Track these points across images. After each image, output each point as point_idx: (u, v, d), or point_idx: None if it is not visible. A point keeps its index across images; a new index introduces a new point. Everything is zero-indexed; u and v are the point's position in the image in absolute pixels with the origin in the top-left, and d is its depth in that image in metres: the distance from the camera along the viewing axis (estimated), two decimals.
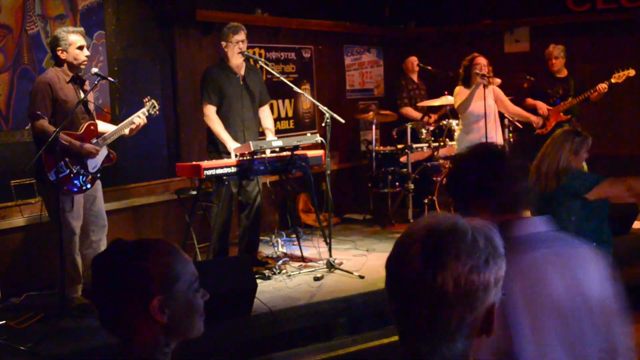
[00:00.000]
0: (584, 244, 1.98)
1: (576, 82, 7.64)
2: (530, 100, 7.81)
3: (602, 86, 7.28)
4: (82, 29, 5.00)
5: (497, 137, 6.47)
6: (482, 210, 1.95)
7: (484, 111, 6.25)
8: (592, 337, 1.84)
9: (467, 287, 1.23)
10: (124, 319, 1.60)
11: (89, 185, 4.88)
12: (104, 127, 5.11)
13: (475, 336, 1.28)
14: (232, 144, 5.57)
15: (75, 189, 4.81)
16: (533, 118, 7.19)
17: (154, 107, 5.13)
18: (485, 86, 6.28)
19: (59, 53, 4.82)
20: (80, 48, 4.84)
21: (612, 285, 1.91)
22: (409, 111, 8.30)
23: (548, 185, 3.92)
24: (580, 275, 1.86)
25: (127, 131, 5.03)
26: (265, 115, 6.03)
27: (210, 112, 5.71)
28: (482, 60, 6.40)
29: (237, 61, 5.76)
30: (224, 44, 5.76)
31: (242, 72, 5.85)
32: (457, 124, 7.04)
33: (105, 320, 1.63)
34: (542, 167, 3.97)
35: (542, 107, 7.65)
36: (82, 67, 4.92)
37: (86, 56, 4.88)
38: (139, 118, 5.02)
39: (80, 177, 4.82)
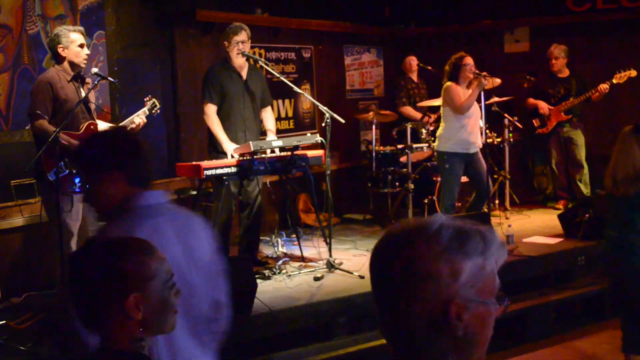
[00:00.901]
0: (195, 215, 2.42)
1: (578, 82, 7.64)
2: (531, 100, 7.82)
3: (604, 86, 7.28)
4: (82, 28, 5.01)
5: (478, 135, 6.45)
6: (114, 181, 2.26)
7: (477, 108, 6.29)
8: (204, 292, 2.23)
9: (411, 272, 1.21)
10: (100, 316, 1.64)
11: (89, 185, 4.87)
12: (104, 127, 5.10)
13: (448, 335, 1.21)
14: (228, 145, 5.56)
15: (77, 189, 4.80)
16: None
17: (155, 106, 5.14)
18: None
19: (59, 50, 4.81)
20: (81, 46, 4.84)
21: (215, 250, 2.35)
22: (409, 110, 8.27)
23: (627, 190, 3.90)
24: (193, 239, 2.26)
25: None
26: (267, 116, 6.03)
27: (211, 111, 5.70)
28: (471, 61, 6.34)
29: (238, 61, 5.76)
30: (225, 44, 5.76)
31: (245, 72, 5.84)
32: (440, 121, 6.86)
33: (81, 317, 1.66)
34: (617, 174, 3.95)
35: (544, 106, 7.65)
36: (83, 65, 4.92)
37: (87, 54, 4.89)
38: (139, 118, 5.03)
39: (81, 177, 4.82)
